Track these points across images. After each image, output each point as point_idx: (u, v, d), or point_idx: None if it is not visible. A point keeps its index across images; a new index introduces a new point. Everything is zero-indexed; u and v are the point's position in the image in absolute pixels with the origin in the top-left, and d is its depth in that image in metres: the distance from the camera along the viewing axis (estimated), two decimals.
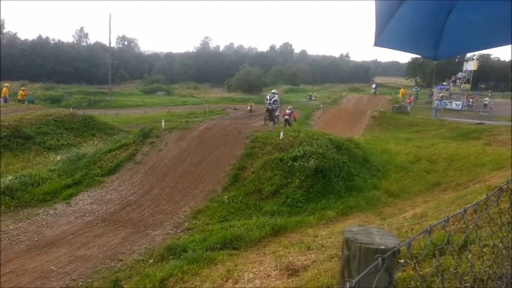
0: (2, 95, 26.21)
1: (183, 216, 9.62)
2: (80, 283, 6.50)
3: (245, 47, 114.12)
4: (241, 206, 9.87)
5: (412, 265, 3.41)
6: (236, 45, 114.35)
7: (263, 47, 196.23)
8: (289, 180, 10.68)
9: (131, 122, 27.17)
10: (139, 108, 37.39)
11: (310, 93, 48.11)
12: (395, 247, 0.97)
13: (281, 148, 12.24)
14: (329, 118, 30.92)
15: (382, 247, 0.98)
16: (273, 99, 21.58)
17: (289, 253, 5.94)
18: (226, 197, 10.34)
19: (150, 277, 6.11)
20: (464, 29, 1.88)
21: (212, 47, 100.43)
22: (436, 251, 1.42)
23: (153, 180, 11.84)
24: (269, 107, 21.54)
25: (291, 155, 11.57)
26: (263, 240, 7.41)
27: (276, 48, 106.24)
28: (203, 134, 14.41)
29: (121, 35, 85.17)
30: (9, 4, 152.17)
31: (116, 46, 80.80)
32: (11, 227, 8.85)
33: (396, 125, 27.30)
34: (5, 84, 27.99)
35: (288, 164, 11.21)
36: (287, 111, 22.70)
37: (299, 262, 5.28)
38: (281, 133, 13.11)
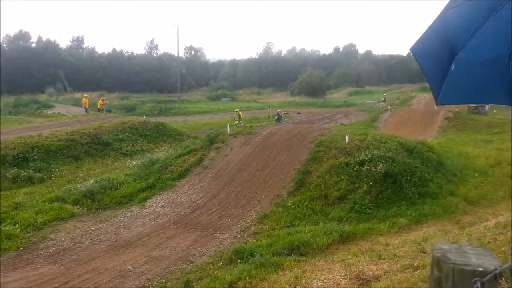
0: (83, 106, 28.63)
1: (249, 221, 9.74)
2: (155, 283, 6.82)
3: (308, 50, 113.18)
4: (307, 211, 9.77)
5: None
6: (298, 48, 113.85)
7: (326, 50, 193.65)
8: (356, 185, 10.36)
9: (199, 128, 28.21)
10: (205, 114, 38.76)
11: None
12: (496, 269, 0.86)
13: (347, 152, 11.94)
14: (397, 120, 29.66)
15: (481, 269, 0.87)
16: None
17: (359, 262, 5.74)
18: (291, 202, 10.30)
19: (219, 280, 6.25)
20: None
21: (274, 52, 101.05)
22: None
23: (220, 184, 12.15)
24: None
25: (357, 159, 11.22)
26: (331, 247, 7.25)
27: (340, 49, 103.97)
28: (267, 139, 14.51)
29: (188, 45, 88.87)
30: (87, 21, 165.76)
31: (184, 56, 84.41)
32: (93, 228, 9.57)
33: (473, 126, 25.45)
34: (85, 95, 30.50)
35: (355, 169, 10.88)
36: None
37: (371, 272, 5.08)
38: (347, 137, 12.79)
